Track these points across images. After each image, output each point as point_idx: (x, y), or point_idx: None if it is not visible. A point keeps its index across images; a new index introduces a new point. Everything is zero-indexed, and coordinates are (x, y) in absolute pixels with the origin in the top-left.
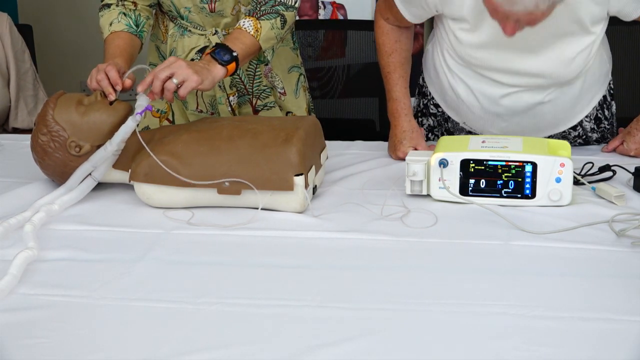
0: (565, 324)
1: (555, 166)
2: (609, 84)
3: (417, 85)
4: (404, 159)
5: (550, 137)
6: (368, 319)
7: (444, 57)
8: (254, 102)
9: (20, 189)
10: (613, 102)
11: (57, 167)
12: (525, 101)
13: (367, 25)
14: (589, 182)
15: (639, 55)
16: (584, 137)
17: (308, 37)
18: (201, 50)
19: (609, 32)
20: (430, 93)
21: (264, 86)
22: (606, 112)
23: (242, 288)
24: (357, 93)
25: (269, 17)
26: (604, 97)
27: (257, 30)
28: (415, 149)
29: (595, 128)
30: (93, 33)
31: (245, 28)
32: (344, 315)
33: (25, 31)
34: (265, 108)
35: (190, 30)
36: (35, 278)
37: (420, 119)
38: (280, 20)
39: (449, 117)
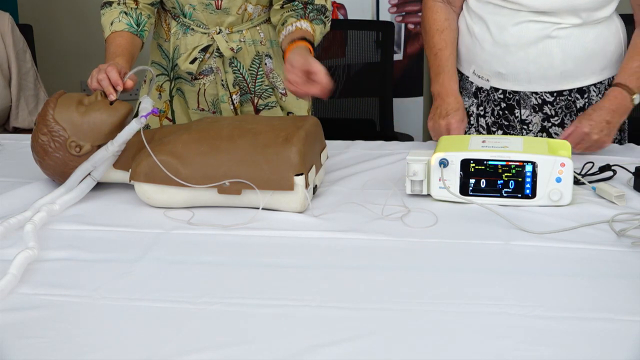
0: (565, 324)
1: (555, 166)
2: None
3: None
4: (442, 134)
5: (555, 95)
6: (368, 319)
7: (467, 5)
8: (255, 101)
9: (20, 189)
10: None
11: (58, 167)
12: (534, 32)
13: (367, 25)
14: (589, 182)
15: None
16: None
17: None
18: (204, 49)
19: None
20: None
21: (266, 86)
22: None
23: (242, 288)
24: (357, 93)
25: (317, 23)
26: (609, 81)
27: (313, 31)
28: (449, 129)
29: None
30: (93, 33)
31: (305, 28)
32: (344, 315)
33: (26, 31)
34: (267, 108)
35: (193, 29)
36: (35, 278)
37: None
38: (324, 28)
39: (460, 77)
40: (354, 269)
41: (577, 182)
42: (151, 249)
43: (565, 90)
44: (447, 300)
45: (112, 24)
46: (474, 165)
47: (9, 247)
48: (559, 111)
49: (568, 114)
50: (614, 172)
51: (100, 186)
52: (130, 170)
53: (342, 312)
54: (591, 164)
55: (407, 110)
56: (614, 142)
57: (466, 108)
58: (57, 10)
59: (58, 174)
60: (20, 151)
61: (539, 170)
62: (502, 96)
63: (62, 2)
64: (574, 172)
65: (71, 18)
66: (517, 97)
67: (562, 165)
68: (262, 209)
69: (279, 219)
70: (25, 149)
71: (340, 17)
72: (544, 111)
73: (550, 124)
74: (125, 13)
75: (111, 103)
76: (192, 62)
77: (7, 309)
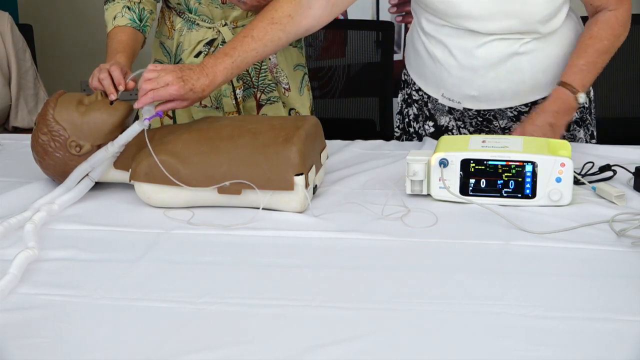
0: (565, 324)
1: (555, 166)
2: None
3: (400, 82)
4: None
5: (529, 105)
6: (368, 319)
7: (421, 27)
8: (258, 95)
9: (20, 189)
10: (590, 88)
11: (58, 166)
12: (501, 51)
13: (367, 25)
14: (589, 182)
15: (614, 57)
16: None
17: (308, 36)
18: (209, 43)
19: None
20: (411, 80)
21: (269, 80)
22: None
23: (242, 288)
24: (357, 93)
25: None
26: None
27: None
28: None
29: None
30: (93, 33)
31: None
32: (344, 315)
33: (26, 31)
34: (269, 102)
35: (198, 24)
36: (35, 278)
37: (405, 110)
38: None
39: (428, 98)
40: (354, 269)
41: (577, 182)
42: (151, 249)
43: (539, 99)
44: (447, 300)
45: (114, 18)
46: (474, 165)
47: (9, 247)
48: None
49: None
50: (614, 172)
51: (100, 186)
52: (130, 170)
53: (342, 312)
54: (591, 164)
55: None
56: (578, 140)
57: (445, 125)
58: (57, 10)
59: (58, 173)
60: (20, 151)
61: (539, 170)
62: (476, 113)
63: (62, 2)
64: (574, 172)
65: (71, 18)
66: (492, 113)
67: (562, 165)
68: (262, 209)
69: (279, 219)
70: (25, 149)
71: (340, 17)
72: (521, 120)
73: None
74: (128, 8)
75: (111, 103)
76: (197, 55)
77: (7, 309)
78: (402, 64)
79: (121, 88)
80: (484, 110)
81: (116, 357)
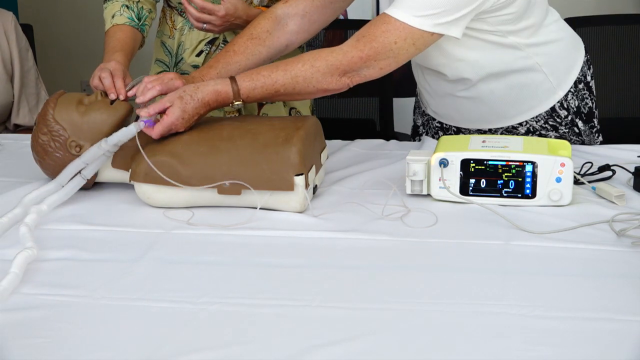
0: (565, 324)
1: (555, 166)
2: (567, 101)
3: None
4: None
5: (497, 129)
6: (368, 319)
7: None
8: None
9: (20, 188)
10: (579, 121)
11: (58, 166)
12: (445, 88)
13: None
14: (589, 182)
15: (614, 57)
16: (537, 133)
17: None
18: (210, 42)
19: (582, 34)
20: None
21: None
22: (562, 120)
23: (242, 288)
24: (357, 93)
25: None
26: (553, 109)
27: None
28: None
29: (550, 128)
30: (93, 33)
31: None
32: (344, 315)
33: (26, 31)
34: (269, 102)
35: None
36: (35, 278)
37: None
38: None
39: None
40: (354, 269)
41: (576, 182)
42: (151, 249)
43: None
44: (447, 300)
45: (113, 16)
46: (474, 165)
47: (7, 247)
48: (504, 134)
49: (515, 134)
50: (613, 172)
51: (100, 186)
52: (130, 170)
53: (342, 312)
54: (590, 164)
55: (407, 110)
56: (583, 143)
57: (418, 126)
58: (58, 10)
59: (58, 173)
60: (20, 151)
61: (539, 170)
62: (439, 125)
63: (62, 1)
64: (574, 172)
65: (71, 18)
66: (454, 128)
67: (562, 165)
68: (262, 209)
69: (279, 219)
70: (25, 148)
71: (340, 17)
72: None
73: None
74: (127, 7)
75: (111, 103)
76: (198, 54)
77: (7, 309)
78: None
79: (121, 97)
80: (446, 124)
81: (116, 357)
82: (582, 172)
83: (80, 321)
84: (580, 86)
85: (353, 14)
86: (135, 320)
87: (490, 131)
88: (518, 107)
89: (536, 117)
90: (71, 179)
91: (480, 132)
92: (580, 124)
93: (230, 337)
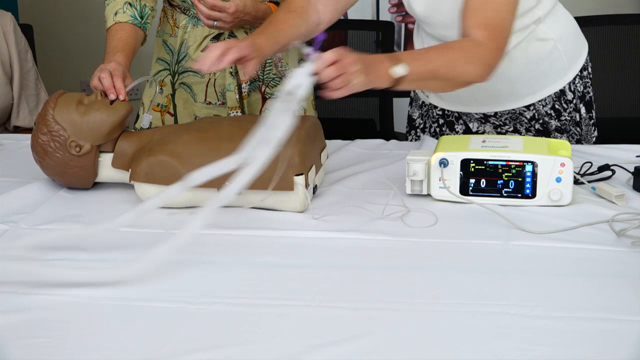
0: (565, 324)
1: (555, 166)
2: (575, 84)
3: None
4: None
5: (496, 112)
6: (368, 319)
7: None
8: (262, 89)
9: (20, 189)
10: (582, 106)
11: (57, 166)
12: None
13: (367, 25)
14: (589, 182)
15: (614, 57)
16: (541, 121)
17: None
18: (215, 37)
19: (588, 34)
20: None
21: (273, 74)
22: (568, 105)
23: (242, 288)
24: (357, 93)
25: None
26: (563, 91)
27: None
28: None
29: (554, 115)
30: (94, 33)
31: None
32: (344, 315)
33: (26, 31)
34: (272, 97)
35: None
36: (36, 278)
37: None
38: None
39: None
40: (354, 269)
41: (576, 182)
42: (151, 249)
43: (501, 110)
44: (447, 300)
45: (115, 14)
46: (474, 165)
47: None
48: (506, 121)
49: (518, 123)
50: (613, 172)
51: (100, 186)
52: (130, 170)
53: (342, 312)
54: (590, 164)
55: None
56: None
57: (414, 119)
58: (57, 10)
59: (58, 174)
60: (20, 151)
61: (539, 170)
62: (440, 113)
63: (62, 2)
64: (574, 172)
65: (71, 18)
66: (455, 114)
67: (562, 165)
68: (262, 209)
69: (279, 219)
70: (25, 149)
71: (340, 17)
72: (490, 121)
73: (504, 131)
74: (130, 4)
75: (111, 102)
76: (204, 50)
77: (7, 309)
78: None
79: (121, 98)
80: (448, 111)
81: (116, 357)
82: (582, 172)
83: (80, 321)
84: (585, 73)
85: (353, 14)
86: (135, 320)
87: (496, 115)
88: (532, 85)
89: (545, 99)
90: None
91: (485, 117)
92: (583, 110)
93: (230, 337)
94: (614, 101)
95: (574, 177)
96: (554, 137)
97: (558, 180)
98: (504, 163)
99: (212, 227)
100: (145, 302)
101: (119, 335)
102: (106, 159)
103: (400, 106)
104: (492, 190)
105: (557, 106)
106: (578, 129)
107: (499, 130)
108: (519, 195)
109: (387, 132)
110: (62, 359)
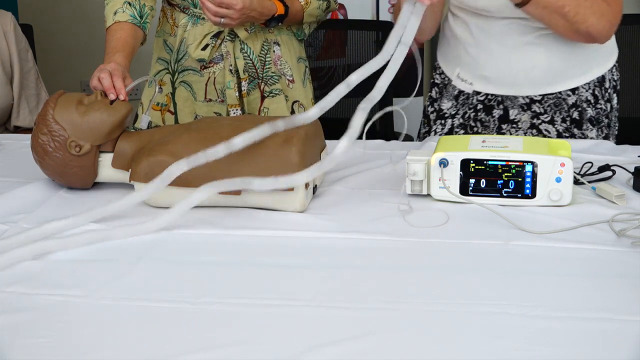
0: (565, 324)
1: (555, 166)
2: (612, 72)
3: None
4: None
5: (544, 97)
6: (368, 319)
7: (451, 12)
8: (262, 87)
9: (20, 189)
10: (615, 96)
11: (57, 166)
12: (516, 37)
13: (367, 25)
14: (589, 182)
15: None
16: (579, 109)
17: (308, 36)
18: (215, 35)
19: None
20: (438, 64)
21: (272, 72)
22: (604, 93)
23: (242, 288)
24: (357, 93)
25: None
26: (604, 78)
27: (307, 2)
28: None
29: (592, 102)
30: (94, 33)
31: None
32: (344, 315)
33: (26, 31)
34: (271, 95)
35: (203, 18)
36: (36, 278)
37: (430, 93)
38: (325, 4)
39: (448, 81)
40: (354, 269)
41: (577, 182)
42: (151, 249)
43: (550, 93)
44: (447, 300)
45: (115, 13)
46: (474, 165)
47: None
48: (547, 108)
49: (558, 112)
50: (613, 172)
51: (100, 186)
52: (130, 170)
53: (342, 312)
54: (590, 164)
55: (407, 110)
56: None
57: (444, 110)
58: (57, 10)
59: (58, 174)
60: (20, 151)
61: (539, 170)
62: (482, 99)
63: (62, 2)
64: (574, 172)
65: (71, 18)
66: (499, 99)
67: (562, 165)
68: (262, 209)
69: (279, 219)
70: (25, 149)
71: (340, 17)
72: (533, 109)
73: (540, 121)
74: (129, 4)
75: (111, 102)
76: (204, 48)
77: (7, 309)
78: (402, 63)
79: (121, 98)
80: (491, 96)
81: (116, 357)
82: (582, 172)
83: (80, 321)
84: (617, 64)
85: (353, 14)
86: (135, 320)
87: (541, 102)
88: (579, 66)
89: (588, 83)
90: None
91: (529, 104)
92: (615, 99)
93: (230, 337)
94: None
95: (574, 177)
96: (586, 129)
97: (558, 180)
98: (503, 163)
99: (212, 227)
100: (145, 302)
101: (118, 335)
102: (106, 159)
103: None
104: (492, 190)
105: (596, 92)
106: (609, 119)
107: (535, 120)
108: (519, 195)
109: (387, 132)
110: (62, 359)
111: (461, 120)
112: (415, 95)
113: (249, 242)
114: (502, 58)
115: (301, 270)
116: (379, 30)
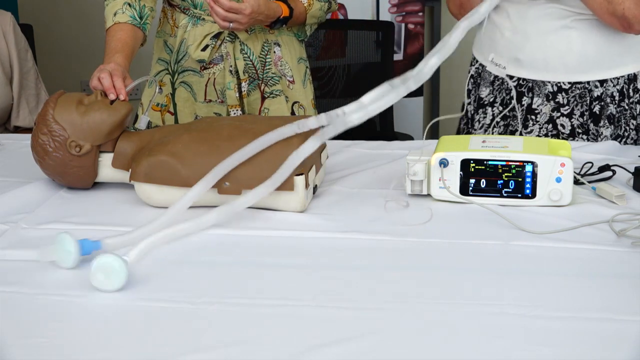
0: (565, 324)
1: (555, 166)
2: None
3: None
4: None
5: (573, 85)
6: (368, 319)
7: None
8: (262, 87)
9: (20, 189)
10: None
11: (58, 166)
12: (553, 21)
13: (367, 25)
14: (589, 182)
15: None
16: (602, 103)
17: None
18: (216, 36)
19: None
20: (473, 56)
21: (273, 73)
22: (631, 93)
23: (242, 288)
24: (357, 93)
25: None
26: (635, 76)
27: (310, 4)
28: None
29: (617, 99)
30: (94, 33)
31: None
32: (344, 315)
33: (26, 31)
34: (272, 96)
35: (203, 19)
36: (36, 278)
37: (467, 87)
38: (327, 5)
39: (482, 69)
40: (354, 269)
41: (577, 182)
42: (151, 249)
43: (582, 81)
44: (447, 300)
45: (115, 14)
46: (474, 165)
47: (5, 248)
48: (571, 100)
49: (580, 104)
50: (613, 172)
51: (100, 186)
52: (130, 170)
53: (342, 312)
54: (590, 164)
55: (407, 110)
56: (602, 139)
57: (482, 98)
58: (57, 10)
59: (58, 174)
60: (20, 151)
61: (539, 170)
62: (515, 83)
63: (62, 2)
64: (574, 172)
65: (71, 18)
66: (529, 84)
67: (562, 165)
68: (262, 209)
69: (279, 219)
70: (25, 148)
71: (340, 17)
72: (557, 100)
73: (559, 114)
74: (129, 5)
75: (111, 102)
76: (204, 49)
77: (7, 309)
78: (402, 63)
79: (121, 97)
80: (523, 81)
81: (116, 357)
82: (582, 172)
83: (80, 321)
84: None
85: (353, 14)
86: (135, 320)
87: (567, 92)
88: (614, 58)
89: (618, 78)
90: None
91: (554, 94)
92: (622, 117)
93: (230, 337)
94: None
95: (575, 177)
96: (602, 125)
97: (558, 180)
98: (504, 163)
99: (213, 227)
100: (145, 302)
101: (119, 335)
102: (106, 159)
103: (401, 106)
104: (492, 190)
105: (624, 90)
106: (634, 124)
107: (554, 113)
108: (519, 195)
109: (387, 133)
110: (62, 359)
111: (500, 109)
112: (416, 95)
113: (249, 242)
114: (537, 40)
115: (301, 270)
116: (379, 30)
